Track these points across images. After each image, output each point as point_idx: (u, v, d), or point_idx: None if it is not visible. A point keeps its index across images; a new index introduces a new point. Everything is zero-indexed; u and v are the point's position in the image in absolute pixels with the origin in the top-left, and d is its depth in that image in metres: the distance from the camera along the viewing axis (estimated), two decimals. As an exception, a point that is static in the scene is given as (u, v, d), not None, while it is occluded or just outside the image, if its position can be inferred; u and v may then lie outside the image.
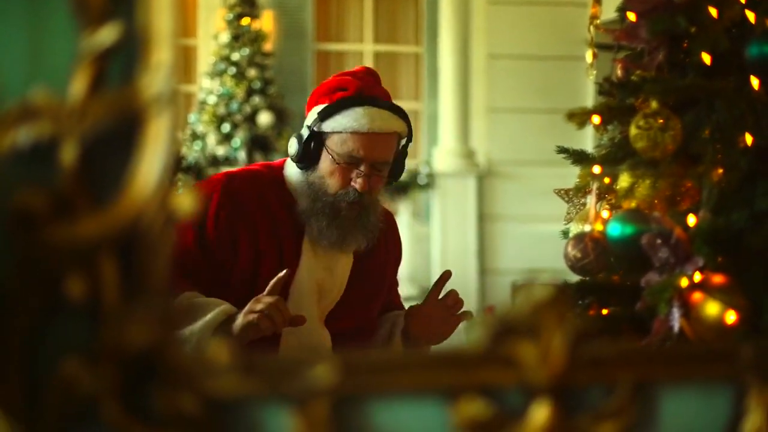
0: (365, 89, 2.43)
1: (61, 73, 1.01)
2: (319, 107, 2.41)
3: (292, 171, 2.46)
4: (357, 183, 2.37)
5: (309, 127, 2.40)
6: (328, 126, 2.38)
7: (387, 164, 2.42)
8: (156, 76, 1.00)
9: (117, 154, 1.00)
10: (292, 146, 2.43)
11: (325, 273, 2.45)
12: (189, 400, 0.99)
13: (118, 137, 1.00)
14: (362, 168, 2.37)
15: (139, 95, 0.99)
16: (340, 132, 2.38)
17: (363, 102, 2.40)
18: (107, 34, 0.99)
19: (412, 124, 2.52)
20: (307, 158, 2.40)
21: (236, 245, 2.37)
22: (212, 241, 2.35)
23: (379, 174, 2.41)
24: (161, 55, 1.00)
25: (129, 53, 1.01)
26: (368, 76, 2.49)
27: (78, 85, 1.00)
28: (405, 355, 1.06)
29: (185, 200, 0.99)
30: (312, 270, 2.42)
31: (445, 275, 2.51)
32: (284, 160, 2.52)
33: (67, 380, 0.98)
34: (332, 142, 2.38)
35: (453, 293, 2.49)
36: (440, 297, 2.48)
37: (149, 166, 0.98)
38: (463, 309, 2.49)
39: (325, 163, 2.39)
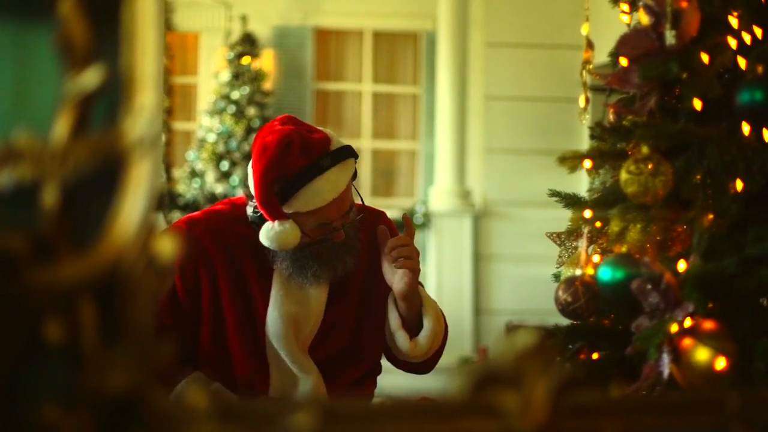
0: (305, 162, 2.36)
1: (44, 115, 1.01)
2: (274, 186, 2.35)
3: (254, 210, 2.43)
4: (334, 237, 2.40)
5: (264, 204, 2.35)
6: (289, 208, 2.36)
7: (353, 206, 2.44)
8: (139, 119, 0.99)
9: (99, 197, 0.99)
10: (251, 209, 2.42)
11: (298, 307, 2.44)
12: (167, 447, 0.98)
13: (100, 180, 0.99)
14: (334, 226, 2.40)
15: (122, 138, 0.99)
16: (303, 212, 2.37)
17: (312, 175, 2.35)
18: (91, 77, 0.99)
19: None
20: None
21: (199, 293, 2.41)
22: (180, 291, 2.40)
23: (348, 217, 2.43)
24: (144, 98, 1.00)
25: (112, 96, 1.01)
26: (291, 130, 2.39)
27: (61, 128, 0.99)
28: (386, 404, 1.05)
29: (167, 244, 0.98)
30: (283, 305, 2.43)
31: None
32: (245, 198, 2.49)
33: (46, 425, 0.97)
34: (298, 219, 2.37)
35: (394, 239, 2.48)
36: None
37: (131, 210, 0.98)
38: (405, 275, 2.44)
39: (296, 228, 2.36)
